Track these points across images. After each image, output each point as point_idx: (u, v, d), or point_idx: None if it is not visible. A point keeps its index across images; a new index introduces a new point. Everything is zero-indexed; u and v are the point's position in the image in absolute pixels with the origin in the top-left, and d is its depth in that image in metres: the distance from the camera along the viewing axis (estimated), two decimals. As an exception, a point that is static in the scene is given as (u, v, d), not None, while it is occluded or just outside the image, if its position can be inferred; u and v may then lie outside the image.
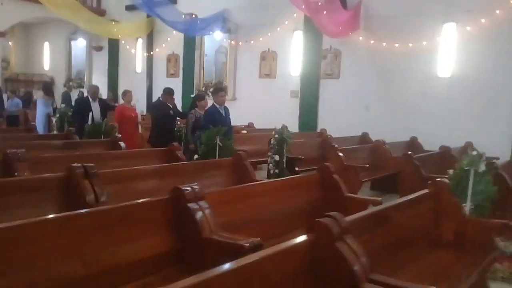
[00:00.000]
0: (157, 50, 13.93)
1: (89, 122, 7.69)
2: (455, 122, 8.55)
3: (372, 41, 9.64)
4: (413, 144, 8.49)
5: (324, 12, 9.35)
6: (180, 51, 13.25)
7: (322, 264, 1.95)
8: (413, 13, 9.02)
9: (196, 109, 7.22)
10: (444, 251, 3.08)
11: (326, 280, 1.94)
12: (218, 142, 5.03)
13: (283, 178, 4.37)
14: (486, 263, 2.87)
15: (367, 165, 5.81)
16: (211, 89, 12.07)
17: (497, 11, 8.15)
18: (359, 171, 5.73)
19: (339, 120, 9.92)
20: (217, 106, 6.51)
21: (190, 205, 2.55)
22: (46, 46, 17.49)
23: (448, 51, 8.86)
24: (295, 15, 10.52)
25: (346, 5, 9.78)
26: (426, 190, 3.29)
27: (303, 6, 8.58)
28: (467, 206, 3.37)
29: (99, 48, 15.62)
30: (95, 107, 7.99)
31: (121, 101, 9.32)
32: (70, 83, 16.29)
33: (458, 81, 8.73)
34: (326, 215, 2.04)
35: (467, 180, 3.36)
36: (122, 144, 5.94)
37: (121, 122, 7.78)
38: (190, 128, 7.05)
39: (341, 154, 5.97)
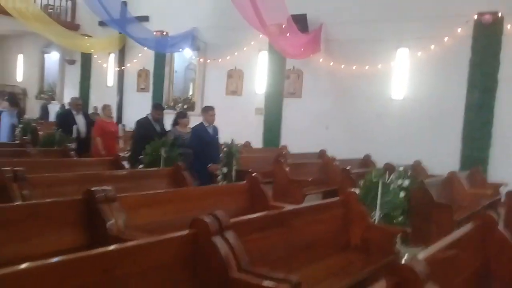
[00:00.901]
0: (128, 65, 14.17)
1: (74, 135, 7.54)
2: (407, 141, 8.95)
3: (331, 63, 10.07)
4: (366, 161, 8.83)
5: (288, 34, 9.77)
6: (150, 67, 13.51)
7: (201, 257, 2.19)
8: (369, 38, 9.49)
9: (176, 126, 7.07)
10: (348, 254, 3.35)
11: (203, 271, 2.16)
12: (163, 153, 5.24)
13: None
14: (382, 264, 3.13)
15: (310, 179, 6.09)
16: (181, 107, 12.40)
17: (445, 39, 8.67)
18: (302, 185, 6.01)
19: (300, 137, 10.24)
20: (205, 124, 6.38)
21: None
22: (20, 58, 17.58)
23: (401, 74, 9.33)
24: (260, 36, 10.86)
25: (308, 28, 10.20)
26: (336, 198, 3.57)
27: (263, 30, 8.93)
28: (376, 215, 3.65)
29: (72, 62, 15.78)
30: (80, 120, 7.86)
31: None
32: (42, 95, 16.40)
33: (410, 103, 9.18)
34: (210, 213, 2.28)
35: (376, 191, 3.65)
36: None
37: (101, 136, 7.69)
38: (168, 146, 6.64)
39: (287, 168, 6.25)
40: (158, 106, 7.37)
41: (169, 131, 7.04)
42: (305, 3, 10.16)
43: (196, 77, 12.75)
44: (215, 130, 6.53)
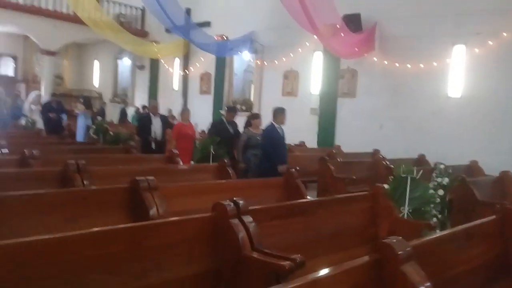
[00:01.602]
0: (191, 69, 14.95)
1: (152, 136, 8.07)
2: (463, 141, 8.74)
3: (386, 62, 10.04)
4: (420, 161, 8.73)
5: (342, 34, 9.90)
6: (212, 70, 14.18)
7: (220, 236, 2.54)
8: (424, 35, 9.36)
9: (249, 127, 7.18)
10: (371, 245, 3.52)
11: (221, 247, 2.50)
12: (212, 150, 5.66)
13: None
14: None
15: (354, 177, 6.24)
16: (240, 108, 12.92)
17: (504, 34, 8.36)
18: (346, 182, 6.18)
19: (354, 137, 10.32)
20: (276, 126, 6.41)
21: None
22: (96, 64, 19.12)
23: (458, 72, 9.11)
24: (315, 37, 11.09)
25: (362, 27, 10.24)
26: (364, 192, 3.77)
27: (314, 31, 9.15)
28: (405, 209, 3.79)
29: (142, 67, 16.91)
30: (157, 122, 8.34)
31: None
32: (116, 99, 17.73)
33: (468, 101, 8.93)
34: (230, 199, 2.61)
35: (405, 186, 3.78)
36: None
37: (178, 139, 8.05)
38: (241, 147, 6.92)
39: (332, 166, 6.45)
40: (231, 109, 7.68)
41: (243, 132, 7.21)
42: (359, 2, 10.23)
43: (254, 79, 13.18)
44: (283, 131, 6.59)
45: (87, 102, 11.09)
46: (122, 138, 7.34)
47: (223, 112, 13.60)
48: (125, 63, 17.93)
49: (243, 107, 12.96)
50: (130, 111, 16.34)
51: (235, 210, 2.55)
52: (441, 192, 4.59)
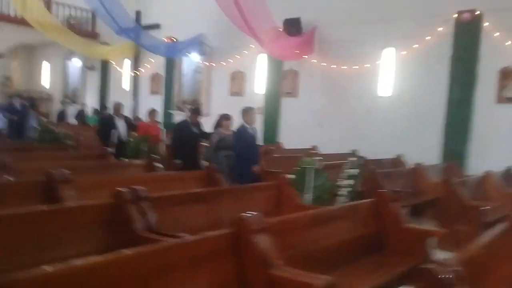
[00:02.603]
0: (142, 70, 15.11)
1: (114, 139, 7.86)
2: (392, 136, 9.40)
3: (324, 64, 10.61)
4: (353, 155, 9.28)
5: (280, 38, 10.37)
6: (162, 71, 14.40)
7: (118, 220, 2.85)
8: (358, 39, 9.99)
9: (220, 128, 7.08)
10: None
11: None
12: (144, 148, 5.90)
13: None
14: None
15: (281, 171, 6.67)
16: (190, 109, 13.20)
17: (427, 38, 9.07)
18: (275, 176, 6.58)
19: (296, 134, 10.83)
20: (247, 126, 6.33)
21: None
22: (46, 65, 18.88)
23: (387, 73, 9.78)
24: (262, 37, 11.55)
25: (301, 30, 10.77)
26: (271, 182, 4.19)
27: (253, 36, 9.59)
28: (308, 197, 4.23)
29: (92, 68, 16.87)
30: (121, 124, 8.14)
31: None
32: (66, 100, 17.58)
33: (396, 99, 9.62)
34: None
35: (307, 176, 4.22)
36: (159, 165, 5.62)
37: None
38: (213, 148, 6.86)
39: (264, 162, 6.86)
40: (195, 110, 7.58)
41: (212, 133, 7.14)
42: (299, 6, 10.75)
43: (202, 79, 13.51)
44: (255, 131, 6.50)
45: (33, 103, 11.08)
46: (60, 137, 7.44)
47: (173, 112, 13.90)
48: (75, 63, 17.81)
49: (193, 107, 13.22)
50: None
51: (132, 196, 2.82)
52: (350, 181, 5.08)
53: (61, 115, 15.58)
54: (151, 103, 14.49)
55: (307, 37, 10.70)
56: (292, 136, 10.82)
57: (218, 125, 7.33)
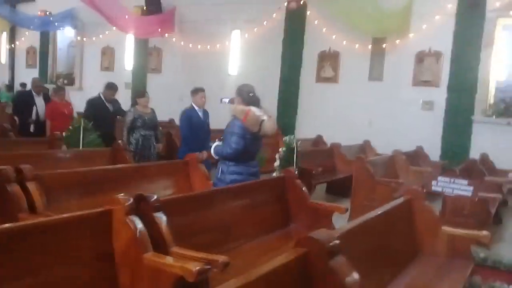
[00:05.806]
0: (17, 43, 14.99)
1: (33, 117, 7.41)
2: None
3: (182, 42, 11.42)
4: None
5: (136, 18, 10.99)
6: (37, 44, 14.41)
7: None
8: (211, 20, 10.88)
9: (136, 106, 6.49)
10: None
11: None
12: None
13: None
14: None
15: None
16: (62, 82, 13.43)
17: (265, 22, 10.17)
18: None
19: (159, 109, 11.52)
20: (196, 108, 5.89)
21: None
22: None
23: (235, 53, 10.82)
24: (126, 17, 12.06)
25: (161, 9, 11.45)
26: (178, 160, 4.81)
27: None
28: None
29: (-32, 39, 16.34)
30: (40, 102, 7.53)
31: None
32: None
33: (243, 78, 10.62)
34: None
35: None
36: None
37: (54, 119, 7.25)
38: (126, 128, 6.26)
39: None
40: (111, 86, 6.96)
41: (128, 111, 6.60)
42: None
43: (76, 54, 13.79)
44: (206, 114, 6.06)
45: None
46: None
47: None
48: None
49: (65, 81, 13.54)
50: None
51: (15, 175, 2.82)
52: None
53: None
54: (27, 76, 14.54)
55: (167, 16, 11.43)
56: (156, 110, 11.56)
57: (134, 102, 6.85)
